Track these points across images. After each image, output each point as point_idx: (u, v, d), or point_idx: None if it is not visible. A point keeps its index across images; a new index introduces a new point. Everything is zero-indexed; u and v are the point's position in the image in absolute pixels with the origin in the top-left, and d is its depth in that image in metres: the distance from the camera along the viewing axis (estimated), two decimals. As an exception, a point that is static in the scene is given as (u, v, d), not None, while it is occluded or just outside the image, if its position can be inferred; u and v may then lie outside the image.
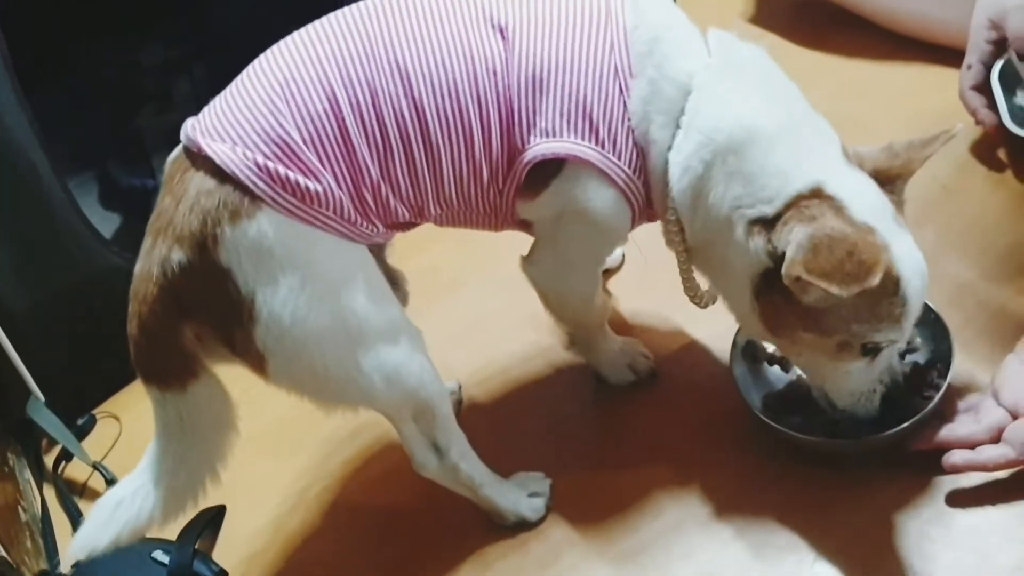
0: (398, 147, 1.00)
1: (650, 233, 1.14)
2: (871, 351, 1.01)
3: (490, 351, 1.34)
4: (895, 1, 1.54)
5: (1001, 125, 1.34)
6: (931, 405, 1.06)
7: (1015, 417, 1.03)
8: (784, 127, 1.00)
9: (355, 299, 1.01)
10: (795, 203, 0.97)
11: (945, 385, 1.08)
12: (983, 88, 1.37)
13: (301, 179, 0.97)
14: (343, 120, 0.98)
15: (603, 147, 1.02)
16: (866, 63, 1.57)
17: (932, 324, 1.15)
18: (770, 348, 1.21)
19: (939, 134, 1.03)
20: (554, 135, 1.01)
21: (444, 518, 1.19)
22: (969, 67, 1.38)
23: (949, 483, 1.06)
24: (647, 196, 1.06)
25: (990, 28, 1.36)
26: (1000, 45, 1.36)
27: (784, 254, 0.95)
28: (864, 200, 0.98)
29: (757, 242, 0.98)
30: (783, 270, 0.94)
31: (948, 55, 1.46)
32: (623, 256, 1.40)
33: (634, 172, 1.04)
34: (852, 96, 1.48)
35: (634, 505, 1.14)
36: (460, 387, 1.31)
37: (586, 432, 1.25)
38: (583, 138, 1.02)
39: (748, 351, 1.19)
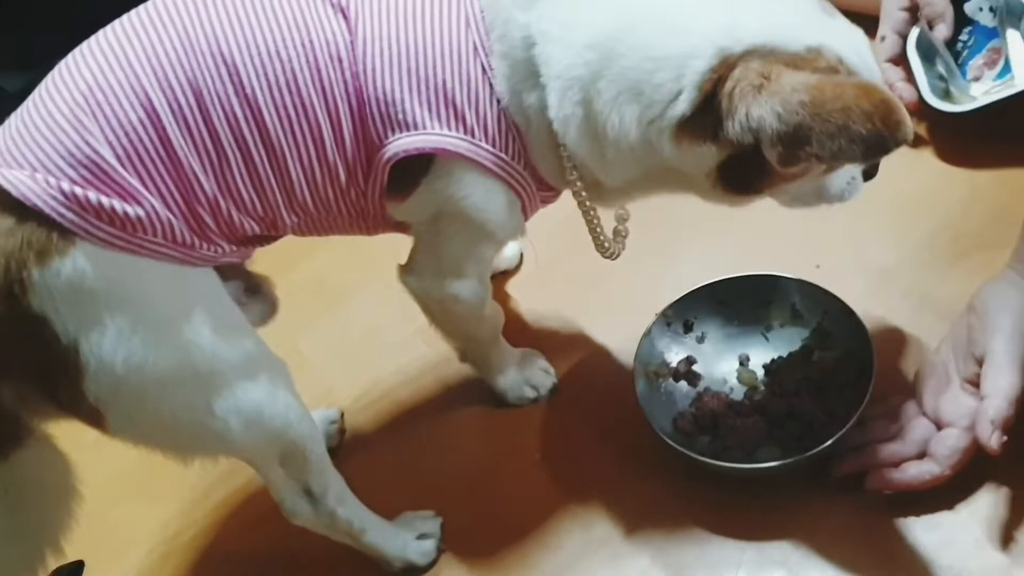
0: (234, 154, 0.87)
1: (547, 231, 1.03)
2: None
3: (376, 371, 1.23)
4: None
5: (921, 99, 1.25)
6: (851, 422, 0.97)
7: (939, 427, 0.94)
8: (633, 17, 0.86)
9: (200, 333, 0.88)
10: (714, 81, 0.81)
11: (867, 397, 0.98)
12: (900, 60, 1.28)
13: (119, 204, 0.84)
14: (164, 130, 0.85)
15: (473, 135, 0.90)
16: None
17: (847, 319, 1.05)
18: (673, 362, 1.11)
19: None
20: (415, 127, 0.89)
21: (327, 564, 1.07)
22: (883, 38, 1.29)
23: (876, 502, 0.97)
24: (535, 176, 0.95)
25: None
26: (915, 12, 1.27)
27: (752, 136, 0.79)
28: (854, 47, 0.83)
29: (697, 149, 0.84)
30: (775, 148, 0.79)
31: (863, 23, 1.35)
32: (520, 256, 1.29)
33: (513, 156, 0.92)
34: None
35: (535, 539, 1.04)
36: (342, 415, 1.19)
37: (481, 459, 1.13)
38: (449, 127, 0.89)
39: (651, 368, 1.09)
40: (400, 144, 0.90)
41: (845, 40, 0.84)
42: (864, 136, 0.75)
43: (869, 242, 1.17)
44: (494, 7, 0.90)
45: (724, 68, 0.81)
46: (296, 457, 0.96)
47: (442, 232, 0.97)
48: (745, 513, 1.00)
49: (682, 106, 0.83)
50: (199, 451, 0.94)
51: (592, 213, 0.98)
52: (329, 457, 1.00)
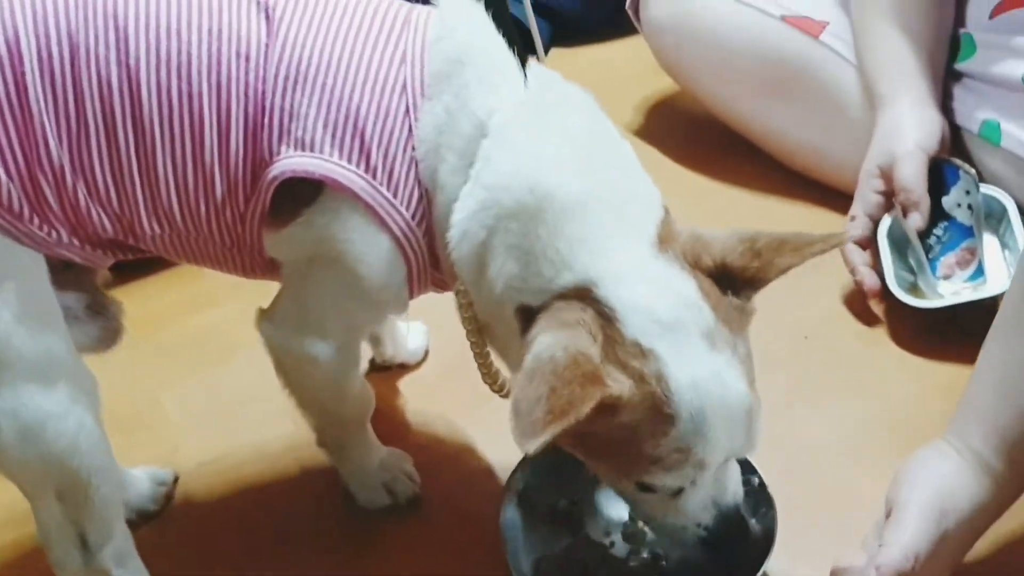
0: (96, 127, 0.78)
1: (453, 331, 0.89)
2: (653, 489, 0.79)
3: (231, 441, 1.09)
4: (785, 129, 1.37)
5: (884, 287, 1.15)
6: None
7: None
8: (587, 200, 0.78)
9: None
10: (561, 297, 0.76)
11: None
12: (867, 244, 1.20)
13: (-60, 140, 0.73)
14: (22, 75, 0.75)
15: (375, 176, 0.80)
16: (749, 193, 1.39)
17: (756, 494, 0.91)
18: (554, 498, 0.96)
19: (819, 238, 0.82)
20: (311, 148, 0.79)
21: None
22: (853, 219, 1.21)
23: None
24: (431, 251, 0.84)
25: (878, 177, 1.20)
26: (890, 199, 1.19)
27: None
28: (651, 309, 0.75)
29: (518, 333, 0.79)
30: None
31: (839, 199, 1.28)
32: (426, 351, 1.17)
33: (414, 217, 0.82)
34: (724, 223, 1.27)
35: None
36: (176, 479, 1.04)
37: (313, 565, 0.97)
38: (349, 159, 0.79)
39: (525, 498, 0.94)
40: (289, 163, 0.79)
41: (686, 368, 0.74)
42: (521, 417, 0.71)
43: (805, 414, 1.06)
44: (448, 57, 0.81)
45: (573, 293, 0.77)
46: (77, 492, 0.81)
47: (312, 278, 0.85)
48: None
49: (534, 299, 0.78)
50: (-41, 455, 0.80)
51: (475, 337, 0.86)
52: (123, 511, 0.86)
